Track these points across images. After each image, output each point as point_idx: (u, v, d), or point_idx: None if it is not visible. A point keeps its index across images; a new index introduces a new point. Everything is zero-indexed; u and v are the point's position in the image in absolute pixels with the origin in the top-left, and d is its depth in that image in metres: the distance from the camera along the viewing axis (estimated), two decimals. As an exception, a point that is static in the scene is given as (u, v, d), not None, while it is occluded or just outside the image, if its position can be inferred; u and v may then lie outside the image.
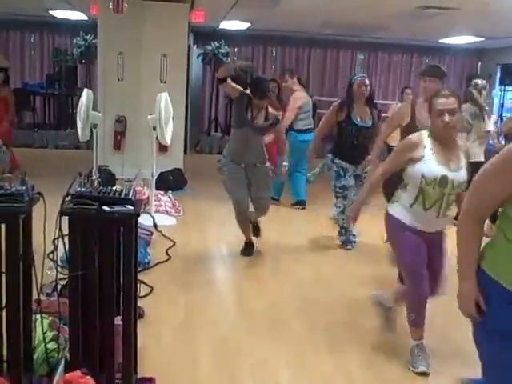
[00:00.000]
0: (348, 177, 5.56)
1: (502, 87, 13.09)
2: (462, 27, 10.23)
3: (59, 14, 10.86)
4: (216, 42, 12.36)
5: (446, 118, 3.22)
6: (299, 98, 7.33)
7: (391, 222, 3.45)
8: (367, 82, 5.54)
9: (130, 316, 2.70)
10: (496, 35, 10.85)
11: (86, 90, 6.31)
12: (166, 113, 6.20)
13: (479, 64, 14.08)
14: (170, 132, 6.38)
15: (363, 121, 5.53)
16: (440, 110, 3.25)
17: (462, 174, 3.28)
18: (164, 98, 6.21)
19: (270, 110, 5.20)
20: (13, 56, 13.01)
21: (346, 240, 5.82)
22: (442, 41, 12.23)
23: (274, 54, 14.01)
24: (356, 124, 5.49)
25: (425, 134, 3.35)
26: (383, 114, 12.47)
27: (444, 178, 3.22)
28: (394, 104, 8.42)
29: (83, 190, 2.64)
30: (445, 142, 3.31)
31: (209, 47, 12.44)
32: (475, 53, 13.75)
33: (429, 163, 3.24)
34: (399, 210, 3.39)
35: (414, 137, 3.38)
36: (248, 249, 5.50)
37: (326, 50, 14.05)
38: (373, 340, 3.81)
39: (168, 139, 6.36)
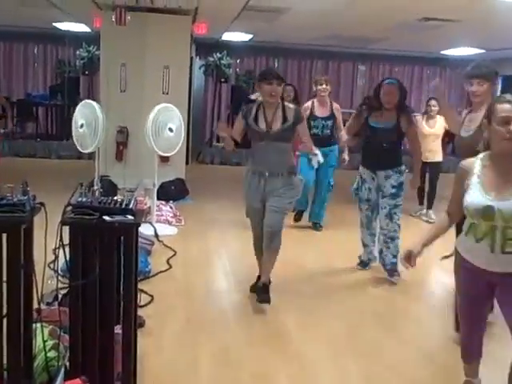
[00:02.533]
0: (364, 189, 5.24)
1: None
2: (463, 39, 10.30)
3: (63, 26, 10.97)
4: (218, 54, 12.44)
5: None
6: None
7: (455, 254, 2.96)
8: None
9: (129, 325, 2.73)
10: (497, 47, 10.90)
11: (95, 104, 6.44)
12: (155, 125, 6.28)
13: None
14: (166, 143, 6.42)
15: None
16: (504, 117, 2.64)
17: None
18: (155, 110, 6.33)
19: (288, 104, 4.50)
20: (16, 67, 13.13)
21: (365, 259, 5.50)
22: (443, 52, 12.29)
23: (276, 65, 14.08)
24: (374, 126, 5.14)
25: (479, 156, 2.78)
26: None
27: (488, 209, 2.63)
28: (417, 116, 7.76)
29: (84, 200, 2.68)
30: (502, 162, 2.69)
31: (211, 58, 12.52)
32: (476, 64, 13.78)
33: (471, 192, 2.70)
34: (459, 240, 2.93)
35: (465, 163, 2.81)
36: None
37: (327, 61, 14.14)
38: (374, 352, 3.81)
39: (158, 149, 6.41)
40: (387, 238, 5.15)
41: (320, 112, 6.75)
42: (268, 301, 4.33)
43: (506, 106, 2.66)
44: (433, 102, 7.67)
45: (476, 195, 2.67)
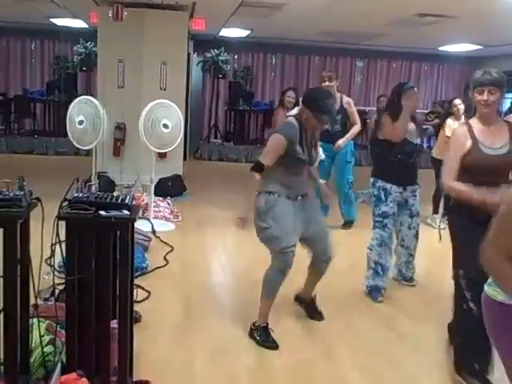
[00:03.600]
0: (390, 202, 4.63)
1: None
2: (460, 35, 10.31)
3: (60, 21, 10.96)
4: (216, 50, 12.43)
5: None
6: None
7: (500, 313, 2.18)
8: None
9: (125, 319, 2.73)
10: (494, 43, 10.92)
11: (95, 100, 6.51)
12: (148, 121, 6.34)
13: (478, 72, 14.15)
14: (160, 139, 6.43)
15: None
16: None
17: None
18: (149, 106, 6.39)
19: None
20: (13, 63, 13.11)
21: (375, 287, 4.72)
22: (440, 48, 12.30)
23: (273, 61, 14.09)
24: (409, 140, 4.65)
25: None
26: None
27: None
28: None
29: (80, 195, 2.68)
30: None
31: (208, 54, 12.51)
32: (473, 60, 13.81)
33: None
34: None
35: None
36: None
37: (325, 57, 14.14)
38: (369, 345, 3.84)
39: (153, 146, 6.44)
40: (411, 256, 4.96)
41: None
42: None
43: None
44: (457, 101, 7.04)
45: None
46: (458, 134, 3.36)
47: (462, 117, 7.02)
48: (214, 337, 3.82)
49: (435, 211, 7.27)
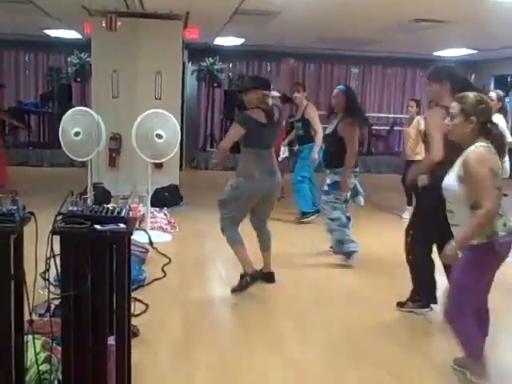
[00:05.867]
0: None
1: (496, 98, 13.17)
2: (456, 40, 10.30)
3: (54, 33, 10.91)
4: (210, 59, 12.40)
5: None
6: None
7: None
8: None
9: (123, 335, 2.67)
10: (489, 47, 10.91)
11: (92, 112, 6.50)
12: (141, 131, 6.35)
13: (473, 76, 14.14)
14: (153, 150, 6.38)
15: None
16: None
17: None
18: (141, 117, 6.42)
19: None
20: (7, 75, 13.07)
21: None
22: (436, 53, 12.28)
23: (268, 69, 14.06)
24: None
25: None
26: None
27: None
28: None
29: (75, 208, 2.62)
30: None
31: (203, 63, 12.48)
32: (469, 65, 13.81)
33: None
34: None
35: None
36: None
37: (320, 64, 14.13)
38: (372, 357, 3.75)
39: (146, 156, 6.44)
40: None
41: (297, 115, 7.68)
42: None
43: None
44: (411, 103, 8.17)
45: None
46: None
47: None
48: (214, 351, 3.74)
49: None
